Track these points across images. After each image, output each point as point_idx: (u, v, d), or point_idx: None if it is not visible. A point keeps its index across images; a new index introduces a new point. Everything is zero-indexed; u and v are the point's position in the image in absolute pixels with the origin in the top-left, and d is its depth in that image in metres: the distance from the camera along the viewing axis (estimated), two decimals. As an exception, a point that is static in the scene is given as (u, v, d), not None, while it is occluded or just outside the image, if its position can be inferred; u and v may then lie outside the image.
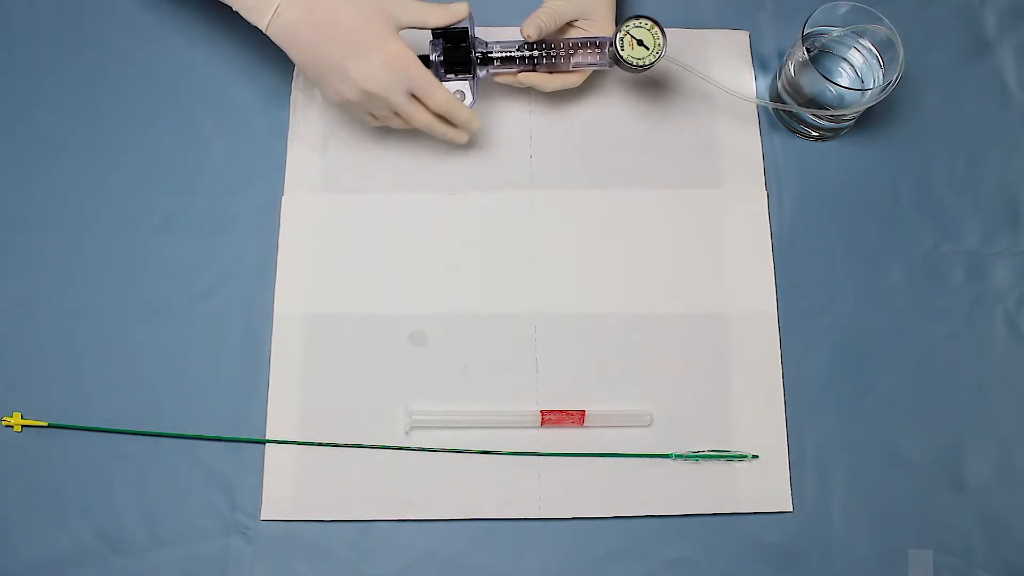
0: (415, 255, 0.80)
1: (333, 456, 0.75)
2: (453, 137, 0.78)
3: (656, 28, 0.76)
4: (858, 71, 0.82)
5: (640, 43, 0.76)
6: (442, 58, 0.76)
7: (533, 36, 0.76)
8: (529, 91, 0.84)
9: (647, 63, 0.76)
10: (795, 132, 0.84)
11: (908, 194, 0.82)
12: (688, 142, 0.83)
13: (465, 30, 0.75)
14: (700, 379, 0.77)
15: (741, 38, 0.86)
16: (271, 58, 0.84)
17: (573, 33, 0.79)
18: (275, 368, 0.76)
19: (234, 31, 0.84)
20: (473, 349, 0.77)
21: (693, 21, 0.87)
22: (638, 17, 0.76)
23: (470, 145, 0.82)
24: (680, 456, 0.75)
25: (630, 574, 0.73)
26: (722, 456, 0.75)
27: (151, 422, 0.75)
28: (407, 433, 0.75)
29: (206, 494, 0.74)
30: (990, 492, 0.75)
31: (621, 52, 0.76)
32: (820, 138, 0.83)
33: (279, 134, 0.82)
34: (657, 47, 0.76)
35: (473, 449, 0.75)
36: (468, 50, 0.76)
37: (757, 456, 0.75)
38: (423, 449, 0.75)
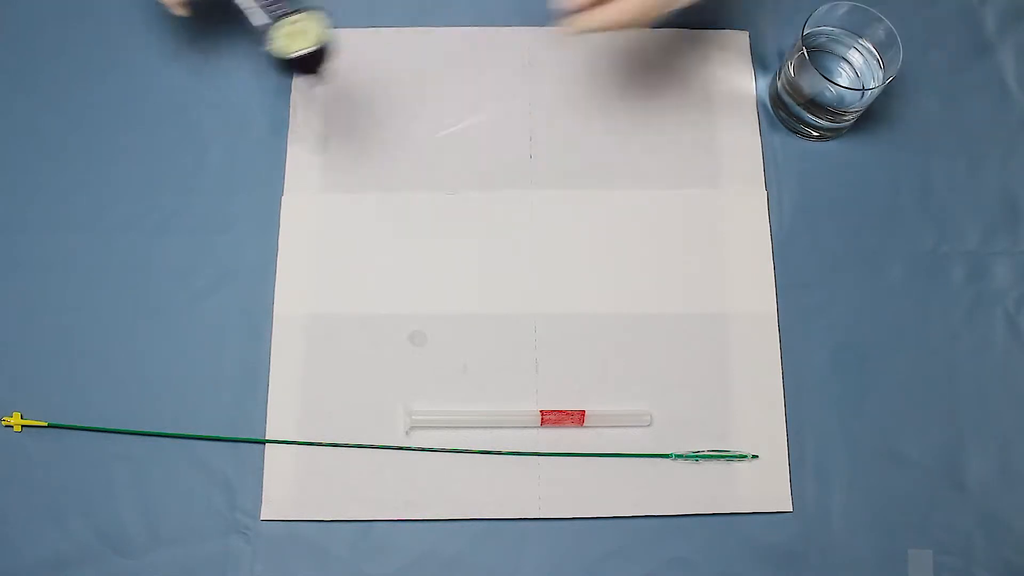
0: (415, 255, 0.80)
1: (333, 456, 0.75)
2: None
3: (319, 20, 0.69)
4: (858, 71, 0.82)
5: (294, 36, 0.68)
6: None
7: None
8: (530, 91, 0.84)
9: (300, 52, 0.68)
10: (795, 132, 0.84)
11: (908, 194, 0.82)
12: (688, 142, 0.83)
13: None
14: (700, 379, 0.77)
15: (741, 38, 0.86)
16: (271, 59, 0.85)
17: None
18: (275, 368, 0.76)
19: (234, 30, 0.84)
20: (473, 349, 0.77)
21: (693, 21, 0.86)
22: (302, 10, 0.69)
23: (470, 145, 0.82)
24: (680, 456, 0.75)
25: (630, 574, 0.73)
26: (722, 456, 0.75)
27: (151, 422, 0.75)
28: (407, 433, 0.75)
29: (206, 494, 0.74)
30: (990, 492, 0.75)
31: (273, 44, 0.68)
32: (820, 138, 0.83)
33: (279, 134, 0.82)
34: (315, 37, 0.68)
35: (473, 449, 0.75)
36: None
37: (757, 456, 0.75)
38: (423, 449, 0.75)
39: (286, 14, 0.69)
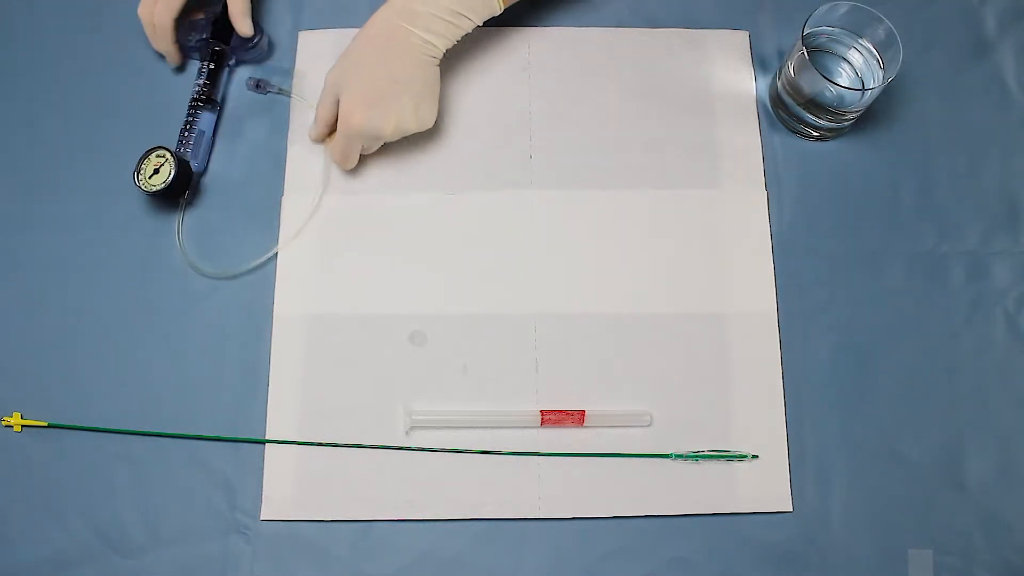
0: (415, 255, 0.80)
1: (333, 456, 0.75)
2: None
3: (171, 157, 0.78)
4: (858, 71, 0.82)
5: (156, 171, 0.78)
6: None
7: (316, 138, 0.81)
8: (530, 91, 0.84)
9: (155, 189, 0.77)
10: (795, 132, 0.84)
11: (908, 194, 0.82)
12: (688, 142, 0.83)
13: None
14: (700, 379, 0.77)
15: (741, 38, 0.86)
16: (271, 58, 0.85)
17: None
18: (275, 368, 0.76)
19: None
20: (473, 349, 0.77)
21: (693, 21, 0.87)
22: (159, 148, 0.78)
23: (470, 145, 0.82)
24: (680, 456, 0.75)
25: (630, 574, 0.73)
26: (722, 456, 0.75)
27: (151, 422, 0.75)
28: (407, 433, 0.75)
29: (206, 494, 0.74)
30: (990, 492, 0.75)
31: (138, 179, 0.78)
32: (820, 138, 0.83)
33: (279, 134, 0.82)
34: (168, 174, 0.77)
35: (473, 449, 0.75)
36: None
37: (757, 456, 0.75)
38: (423, 449, 0.75)
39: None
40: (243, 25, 0.81)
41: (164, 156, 0.78)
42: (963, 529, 0.74)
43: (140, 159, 0.78)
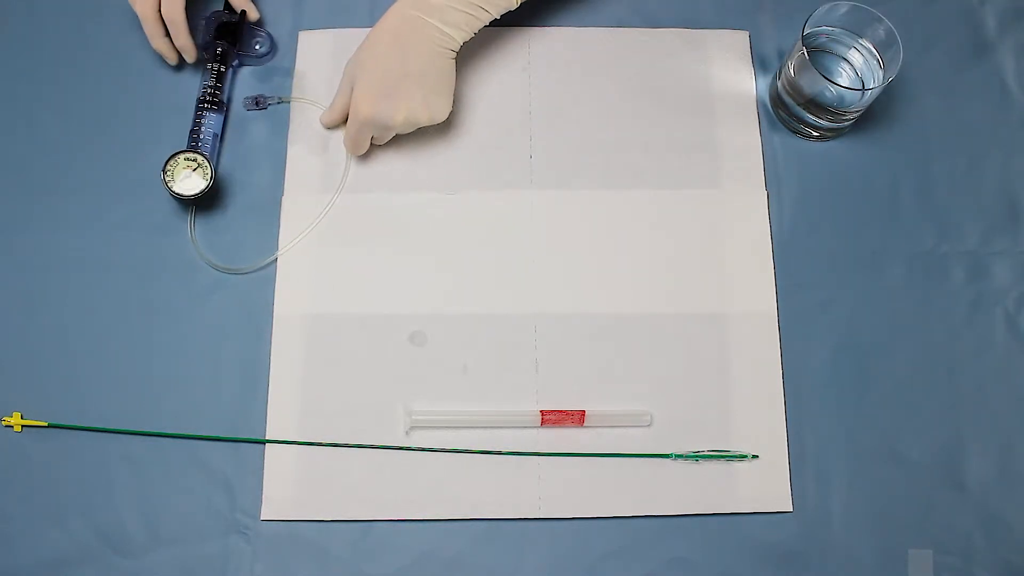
0: (415, 255, 0.80)
1: (333, 456, 0.75)
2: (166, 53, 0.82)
3: (204, 161, 0.78)
4: (858, 71, 0.82)
5: (188, 175, 0.77)
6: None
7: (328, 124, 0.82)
8: (530, 91, 0.84)
9: (188, 195, 0.77)
10: (795, 132, 0.84)
11: (908, 194, 0.82)
12: (688, 142, 0.83)
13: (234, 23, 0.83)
14: (700, 379, 0.77)
15: (741, 38, 0.86)
16: (272, 58, 0.85)
17: None
18: (275, 368, 0.76)
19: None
20: (473, 349, 0.77)
21: (693, 21, 0.87)
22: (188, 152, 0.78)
23: (470, 145, 0.82)
24: (680, 456, 0.75)
25: (630, 574, 0.73)
26: (722, 456, 0.75)
27: (151, 422, 0.75)
28: (407, 433, 0.75)
29: (206, 494, 0.74)
30: (990, 492, 0.75)
31: (170, 183, 0.77)
32: (820, 138, 0.83)
33: (279, 134, 0.82)
34: (206, 178, 0.77)
35: (473, 449, 0.75)
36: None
37: (757, 456, 0.75)
38: (423, 449, 0.75)
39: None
40: (250, 9, 0.82)
41: (196, 161, 0.78)
42: (963, 529, 0.74)
43: (168, 159, 0.78)
